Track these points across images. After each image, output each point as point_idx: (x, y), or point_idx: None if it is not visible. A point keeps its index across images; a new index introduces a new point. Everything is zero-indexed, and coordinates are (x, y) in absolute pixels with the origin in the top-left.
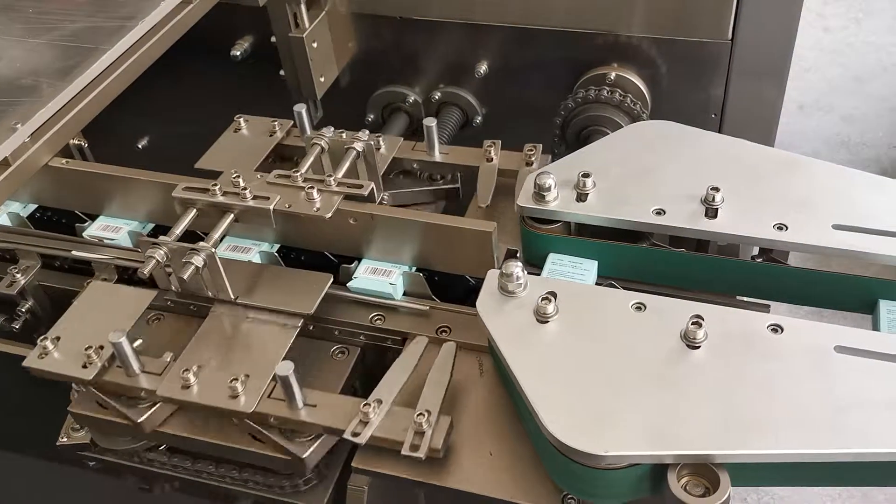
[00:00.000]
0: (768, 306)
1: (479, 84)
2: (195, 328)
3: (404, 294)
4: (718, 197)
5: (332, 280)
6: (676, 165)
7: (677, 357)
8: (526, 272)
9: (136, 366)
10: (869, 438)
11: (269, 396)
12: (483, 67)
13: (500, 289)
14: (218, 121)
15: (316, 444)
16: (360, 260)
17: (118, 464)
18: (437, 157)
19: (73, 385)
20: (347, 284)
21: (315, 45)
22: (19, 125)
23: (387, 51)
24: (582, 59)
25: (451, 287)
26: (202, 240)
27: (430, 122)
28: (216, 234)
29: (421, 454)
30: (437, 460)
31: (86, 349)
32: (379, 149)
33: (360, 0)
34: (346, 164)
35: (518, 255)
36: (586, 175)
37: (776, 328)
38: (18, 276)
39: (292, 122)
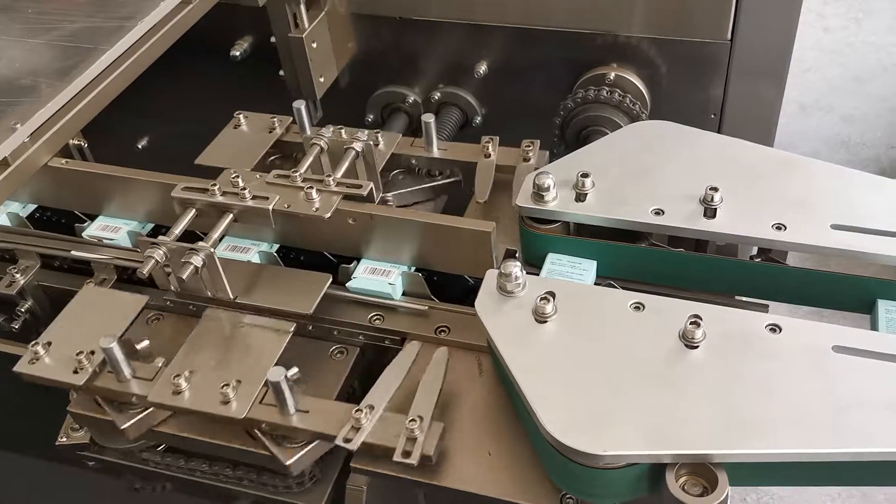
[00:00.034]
0: (767, 306)
1: (479, 84)
2: (194, 328)
3: (403, 294)
4: (717, 197)
5: (331, 280)
6: (675, 165)
7: (676, 357)
8: (524, 272)
9: (127, 371)
10: (867, 438)
11: (260, 402)
12: (482, 68)
13: (498, 289)
14: (218, 121)
15: (302, 453)
16: (359, 260)
17: (117, 463)
18: (436, 153)
19: None
20: (346, 284)
21: (314, 45)
22: (19, 125)
23: (386, 51)
24: (581, 59)
25: (449, 287)
26: (201, 240)
27: (429, 119)
28: (215, 234)
29: (413, 460)
30: (437, 460)
31: (77, 354)
32: (377, 145)
33: (359, 0)
34: (345, 164)
35: (517, 254)
36: (585, 175)
37: (774, 328)
38: (18, 276)
39: (291, 118)
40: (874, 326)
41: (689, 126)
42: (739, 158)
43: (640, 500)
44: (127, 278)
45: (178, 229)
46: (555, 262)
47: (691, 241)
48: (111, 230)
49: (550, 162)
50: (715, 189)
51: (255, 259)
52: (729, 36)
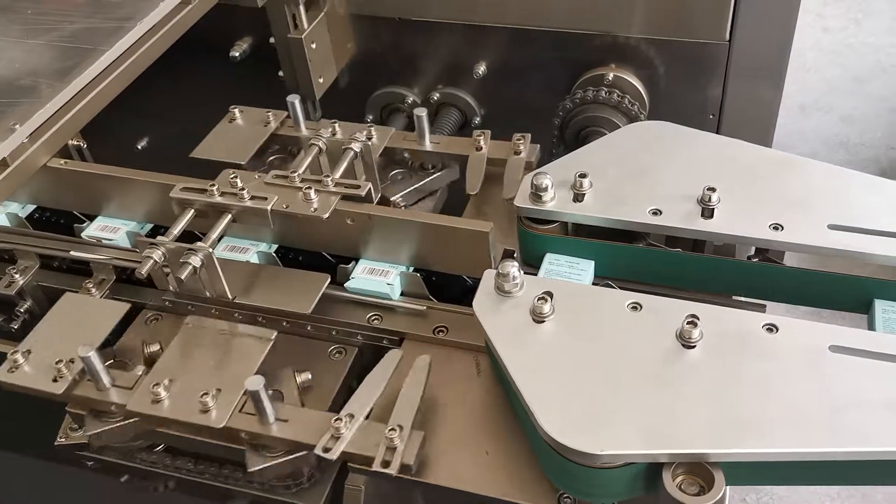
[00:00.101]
0: (764, 306)
1: (478, 85)
2: (175, 337)
3: (402, 294)
4: (714, 197)
5: (329, 280)
6: (673, 166)
7: (673, 356)
8: (522, 272)
9: (106, 380)
10: (864, 437)
11: (240, 411)
12: (481, 68)
13: (496, 289)
14: (217, 121)
15: (268, 464)
16: (357, 260)
17: (116, 463)
18: (428, 146)
19: None
20: (345, 284)
21: (314, 46)
22: (18, 126)
23: (385, 52)
24: (580, 59)
25: (448, 287)
26: (200, 240)
27: (421, 112)
28: (214, 235)
29: (392, 470)
30: (434, 460)
31: (56, 363)
32: (371, 139)
33: (358, 1)
34: (344, 165)
35: (515, 255)
36: (583, 175)
37: (771, 328)
38: (17, 276)
39: (286, 112)
40: (871, 326)
41: (687, 126)
42: (737, 159)
43: (637, 500)
44: (126, 278)
45: (176, 229)
46: (553, 263)
47: (689, 242)
48: (110, 230)
49: (542, 155)
50: (712, 189)
51: (254, 259)
52: (727, 36)
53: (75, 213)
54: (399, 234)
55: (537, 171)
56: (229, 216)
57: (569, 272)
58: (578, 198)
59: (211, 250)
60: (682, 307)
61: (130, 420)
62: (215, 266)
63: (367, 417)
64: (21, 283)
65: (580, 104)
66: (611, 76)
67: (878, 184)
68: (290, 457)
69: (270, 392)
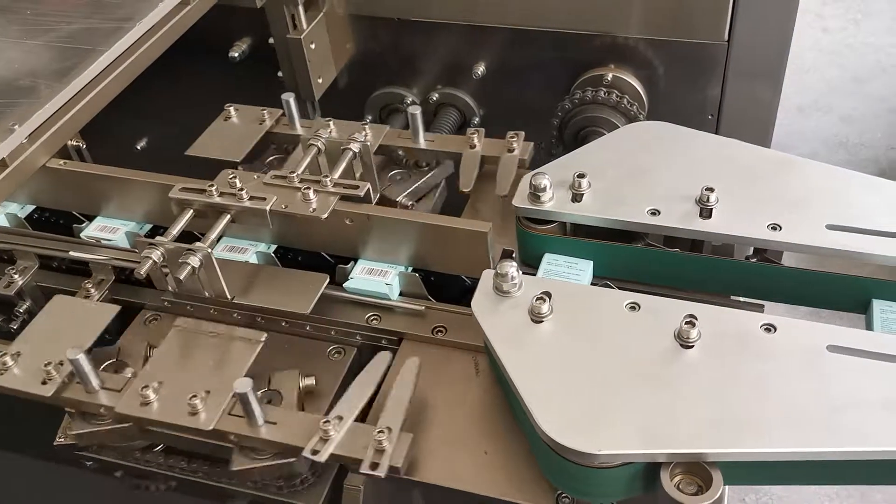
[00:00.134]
0: (762, 306)
1: (477, 85)
2: (164, 339)
3: (400, 294)
4: (713, 197)
5: (328, 280)
6: (672, 166)
7: (671, 356)
8: (521, 272)
9: (95, 382)
10: (862, 437)
11: (229, 413)
12: (481, 69)
13: (495, 289)
14: None
15: (252, 466)
16: (356, 260)
17: (116, 463)
18: (422, 144)
19: None
20: (344, 285)
21: (313, 46)
22: (17, 126)
23: (385, 52)
24: (579, 60)
25: (446, 287)
26: (199, 240)
27: (415, 110)
28: (213, 235)
29: (381, 472)
30: (434, 460)
31: (45, 365)
32: (366, 136)
33: (357, 1)
34: (343, 165)
35: (514, 255)
36: (582, 175)
37: (769, 328)
38: (16, 276)
39: (281, 111)
40: (869, 326)
41: (686, 127)
42: (736, 159)
43: (635, 500)
44: (125, 279)
45: (175, 230)
46: (551, 263)
47: (687, 242)
48: (109, 231)
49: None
50: (711, 189)
51: (253, 259)
52: (726, 37)
53: (74, 213)
54: (398, 234)
55: (536, 171)
56: (228, 216)
57: (567, 272)
58: (577, 198)
59: (210, 250)
60: (680, 307)
61: (117, 425)
62: (214, 266)
63: (357, 419)
64: (20, 283)
65: (579, 104)
66: (610, 76)
67: (876, 184)
68: (278, 461)
69: (260, 394)
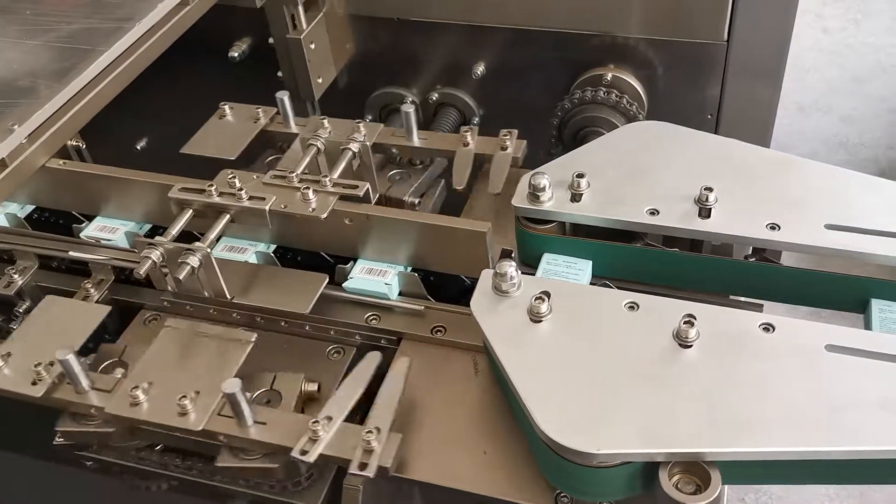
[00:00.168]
0: (761, 306)
1: (477, 85)
2: (154, 339)
3: (399, 294)
4: (712, 197)
5: (327, 280)
6: (671, 166)
7: (670, 356)
8: (520, 272)
9: (85, 383)
10: (860, 436)
11: (219, 414)
12: (480, 68)
13: (494, 288)
14: None
15: (237, 463)
16: (355, 260)
17: (115, 463)
18: (416, 142)
19: None
20: (343, 284)
21: (313, 46)
22: (16, 126)
23: (384, 52)
24: (579, 60)
25: (445, 287)
26: (198, 240)
27: (409, 109)
28: (212, 235)
29: (370, 473)
30: (433, 460)
31: (35, 365)
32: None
33: (357, 1)
34: (342, 165)
35: (513, 254)
36: (581, 175)
37: (768, 327)
38: (16, 276)
39: (276, 109)
40: (868, 325)
41: (685, 126)
42: (735, 158)
43: (634, 499)
44: (124, 279)
45: (175, 230)
46: (550, 262)
47: (686, 241)
48: (109, 231)
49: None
50: (710, 189)
51: (252, 259)
52: (725, 37)
53: (74, 213)
54: (397, 234)
55: (535, 171)
56: (227, 216)
57: (566, 272)
58: (576, 198)
59: (209, 250)
60: (679, 307)
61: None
62: (213, 266)
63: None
64: (20, 283)
65: (579, 104)
66: (609, 76)
67: (875, 184)
68: (264, 464)
69: (260, 394)
